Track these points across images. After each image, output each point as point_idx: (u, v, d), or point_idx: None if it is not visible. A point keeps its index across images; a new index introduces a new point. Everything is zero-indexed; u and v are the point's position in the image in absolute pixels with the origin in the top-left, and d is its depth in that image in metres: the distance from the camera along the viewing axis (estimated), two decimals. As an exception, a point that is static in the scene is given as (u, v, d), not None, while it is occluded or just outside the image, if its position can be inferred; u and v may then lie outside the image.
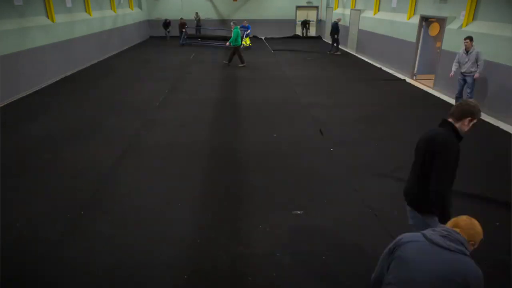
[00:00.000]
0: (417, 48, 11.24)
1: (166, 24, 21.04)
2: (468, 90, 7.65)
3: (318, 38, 22.77)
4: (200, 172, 5.30)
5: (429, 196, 2.55)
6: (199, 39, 19.75)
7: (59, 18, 11.52)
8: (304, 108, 8.23)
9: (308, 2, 23.34)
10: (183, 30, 18.91)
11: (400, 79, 11.39)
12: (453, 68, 7.90)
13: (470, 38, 7.45)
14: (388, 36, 13.18)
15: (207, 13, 22.88)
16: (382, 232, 3.93)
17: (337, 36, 15.92)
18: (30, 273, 3.33)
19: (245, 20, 19.79)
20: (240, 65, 13.19)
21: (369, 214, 4.27)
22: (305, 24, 22.95)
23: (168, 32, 21.20)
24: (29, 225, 4.04)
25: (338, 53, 16.14)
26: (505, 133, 6.82)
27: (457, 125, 2.68)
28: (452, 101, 8.87)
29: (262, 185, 4.94)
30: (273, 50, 17.33)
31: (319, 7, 23.39)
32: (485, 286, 1.85)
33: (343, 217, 4.20)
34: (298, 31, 23.86)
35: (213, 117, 7.71)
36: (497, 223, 4.11)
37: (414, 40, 11.30)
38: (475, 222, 1.97)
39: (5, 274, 3.30)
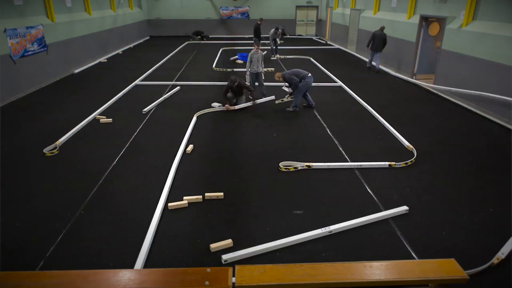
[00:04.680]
0: (417, 48, 11.25)
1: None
2: None
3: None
4: (200, 172, 5.31)
5: None
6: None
7: (59, 18, 11.53)
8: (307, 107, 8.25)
9: (308, 2, 23.36)
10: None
11: (401, 78, 11.41)
12: None
13: None
14: (388, 35, 13.17)
15: (207, 13, 22.89)
16: (386, 229, 3.95)
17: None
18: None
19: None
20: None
21: (373, 209, 4.28)
22: None
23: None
24: (29, 225, 4.05)
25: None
26: (505, 132, 6.82)
27: None
28: (452, 100, 8.88)
29: (261, 184, 4.95)
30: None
31: (319, 7, 23.41)
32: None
33: (343, 216, 4.20)
34: (299, 31, 23.92)
35: (212, 116, 7.72)
36: (490, 209, 4.29)
37: (414, 39, 11.31)
38: None
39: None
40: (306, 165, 5.37)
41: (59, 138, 6.28)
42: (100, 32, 14.73)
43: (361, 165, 5.39)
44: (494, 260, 3.41)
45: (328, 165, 5.39)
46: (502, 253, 3.49)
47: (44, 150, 5.80)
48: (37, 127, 7.02)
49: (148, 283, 2.71)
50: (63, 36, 11.60)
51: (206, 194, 4.55)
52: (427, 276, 2.80)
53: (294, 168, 5.33)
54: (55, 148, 5.92)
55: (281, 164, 5.39)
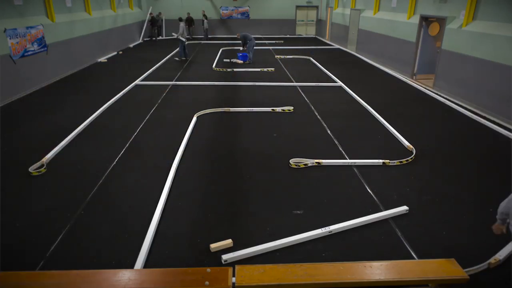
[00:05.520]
0: (417, 48, 11.25)
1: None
2: None
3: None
4: (200, 172, 5.31)
5: None
6: None
7: (59, 17, 11.52)
8: (307, 105, 8.25)
9: (308, 2, 23.36)
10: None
11: (399, 78, 11.40)
12: None
13: None
14: (388, 35, 13.18)
15: (207, 13, 22.88)
16: (386, 229, 3.94)
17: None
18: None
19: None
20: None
21: (373, 209, 4.28)
22: None
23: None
24: (29, 225, 4.05)
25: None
26: (505, 132, 6.82)
27: None
28: (452, 100, 8.88)
29: (261, 184, 4.95)
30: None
31: (319, 7, 23.41)
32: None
33: (343, 216, 4.20)
34: (299, 31, 23.95)
35: (212, 116, 7.73)
36: (491, 209, 4.26)
37: (414, 39, 11.31)
38: None
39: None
40: (316, 162, 5.42)
41: (58, 138, 6.28)
42: (100, 32, 14.72)
43: (370, 162, 5.49)
44: (492, 260, 3.41)
45: (337, 162, 5.51)
46: (500, 255, 3.49)
47: (29, 169, 5.14)
48: (37, 127, 7.02)
49: (148, 283, 2.71)
50: (63, 36, 11.60)
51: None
52: (427, 276, 2.80)
53: (304, 165, 5.38)
54: (42, 166, 5.29)
55: (291, 161, 5.44)
